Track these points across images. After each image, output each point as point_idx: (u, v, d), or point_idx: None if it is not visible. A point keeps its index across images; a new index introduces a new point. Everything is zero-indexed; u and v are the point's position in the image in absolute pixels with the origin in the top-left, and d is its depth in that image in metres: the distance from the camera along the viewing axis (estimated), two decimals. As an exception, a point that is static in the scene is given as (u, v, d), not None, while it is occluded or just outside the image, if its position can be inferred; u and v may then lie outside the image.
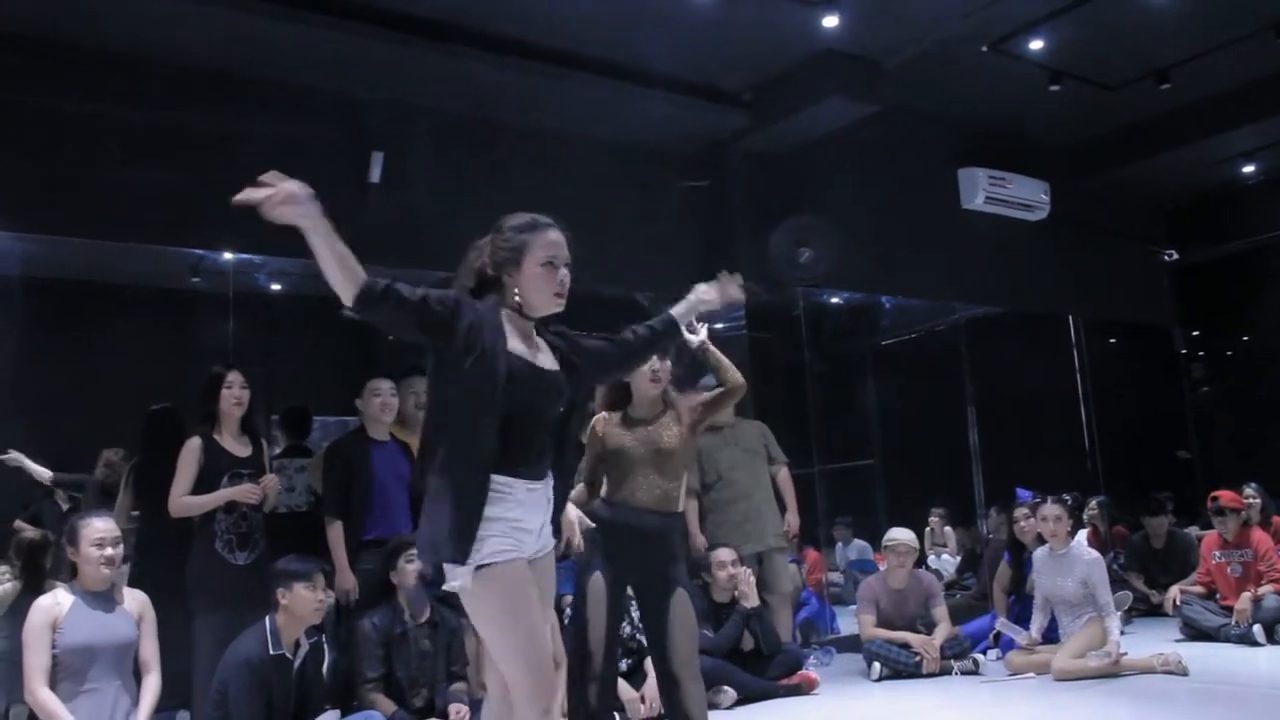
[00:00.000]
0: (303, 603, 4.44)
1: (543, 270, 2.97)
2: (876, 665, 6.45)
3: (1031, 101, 8.60)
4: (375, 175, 6.53)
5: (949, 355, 9.83)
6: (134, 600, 4.34)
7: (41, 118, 5.70)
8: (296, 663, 4.48)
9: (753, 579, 6.17)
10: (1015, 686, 6.04)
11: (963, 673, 6.43)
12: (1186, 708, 5.23)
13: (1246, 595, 6.87)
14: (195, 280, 7.10)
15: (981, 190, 8.85)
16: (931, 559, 10.12)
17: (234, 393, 5.15)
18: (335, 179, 6.56)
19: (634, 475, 4.00)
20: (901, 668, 6.41)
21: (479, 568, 2.74)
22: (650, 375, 4.03)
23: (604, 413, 4.19)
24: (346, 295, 2.69)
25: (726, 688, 5.84)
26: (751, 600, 6.07)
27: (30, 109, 5.67)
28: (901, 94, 7.91)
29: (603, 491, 4.14)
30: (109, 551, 4.21)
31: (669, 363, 4.05)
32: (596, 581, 4.01)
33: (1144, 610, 8.03)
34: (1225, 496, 7.33)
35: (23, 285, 6.66)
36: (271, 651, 4.37)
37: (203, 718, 4.48)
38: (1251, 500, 7.88)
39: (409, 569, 4.98)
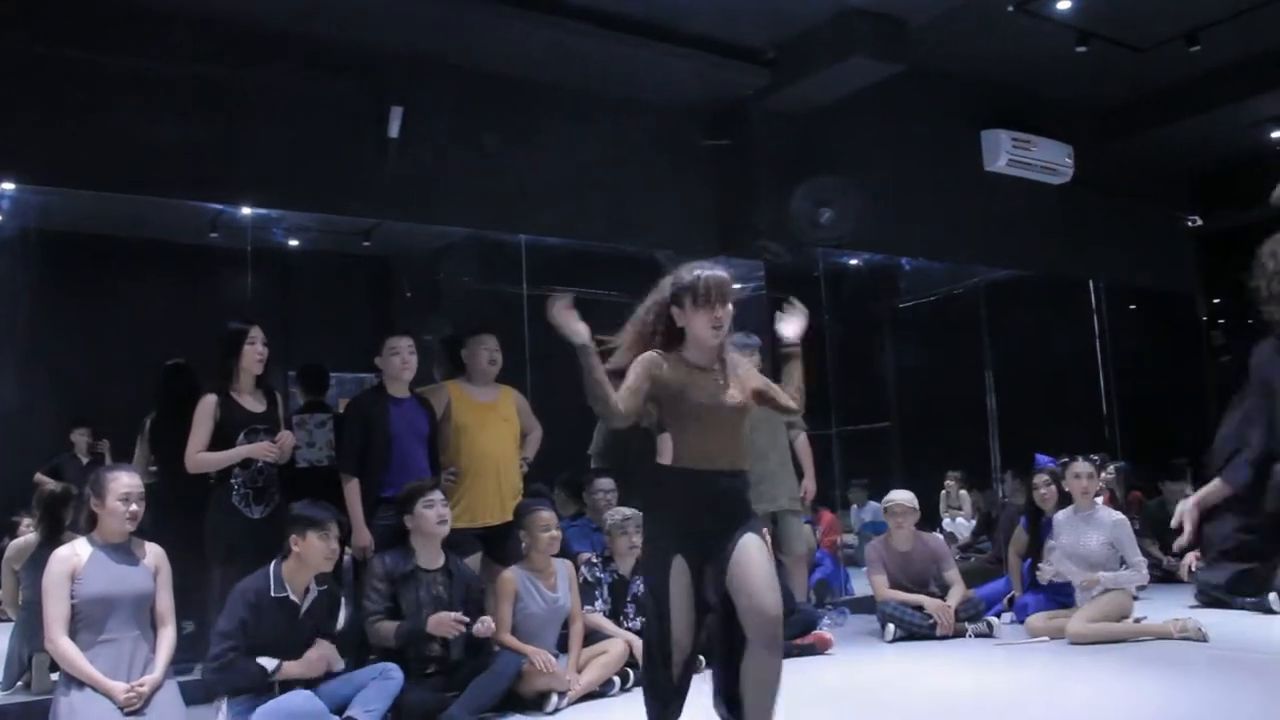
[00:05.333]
0: (314, 551, 4.50)
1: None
2: (890, 627, 6.46)
3: (1057, 63, 8.46)
4: (394, 130, 6.48)
5: (968, 318, 9.76)
6: (151, 553, 4.37)
7: (58, 70, 5.66)
8: (305, 606, 4.54)
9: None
10: (1029, 650, 6.04)
11: (977, 635, 6.44)
12: (1204, 674, 5.23)
13: (1264, 564, 6.86)
14: (213, 235, 7.09)
15: (1005, 152, 8.76)
16: (946, 522, 10.12)
17: (257, 349, 5.15)
18: (354, 133, 6.54)
19: (710, 433, 3.51)
20: (916, 629, 6.42)
21: None
22: (712, 321, 3.48)
23: (654, 352, 3.51)
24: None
25: (741, 647, 5.86)
26: (766, 561, 6.07)
27: (47, 61, 5.63)
28: (926, 54, 7.79)
29: (674, 452, 3.52)
30: (134, 507, 4.24)
31: (731, 309, 3.53)
32: (679, 566, 3.46)
33: (1159, 576, 8.01)
34: (1244, 464, 7.28)
35: (39, 239, 6.64)
36: (274, 594, 4.45)
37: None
38: (1270, 468, 7.81)
39: (428, 514, 4.99)
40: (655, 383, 3.45)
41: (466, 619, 4.84)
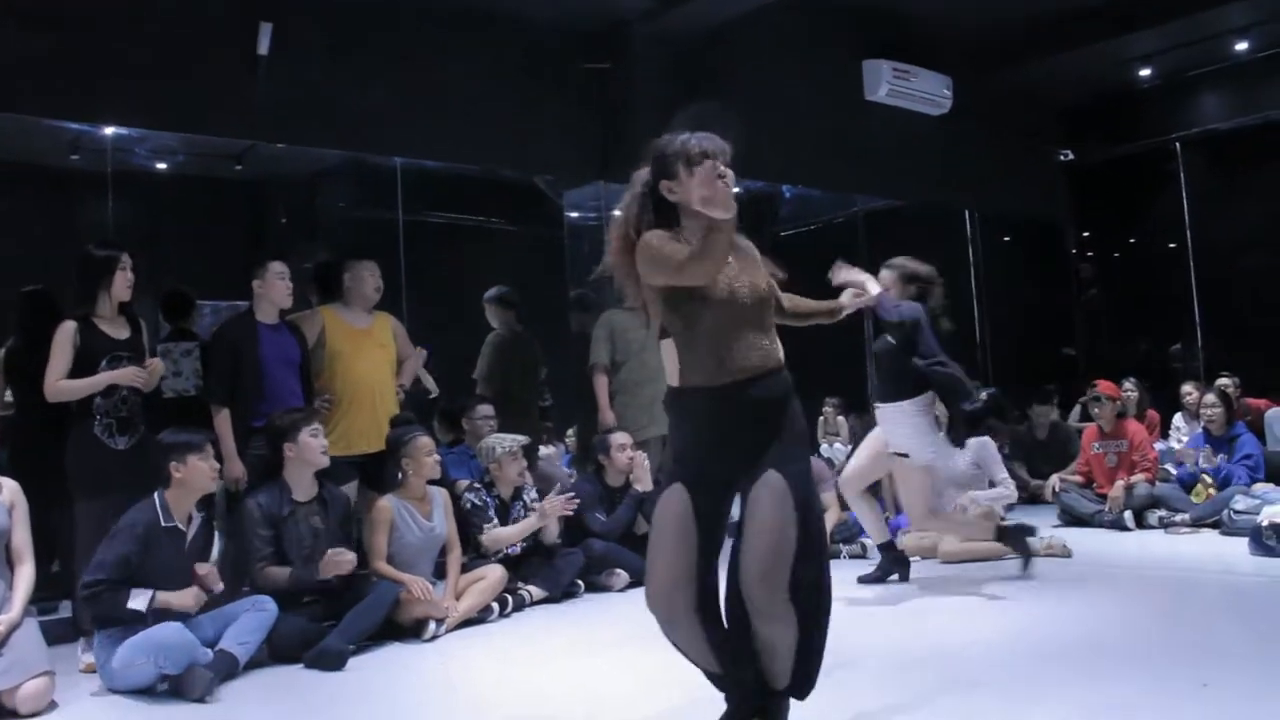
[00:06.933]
0: (198, 473, 4.42)
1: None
2: (768, 550, 6.58)
3: (938, -7, 8.54)
4: (264, 47, 6.23)
5: (847, 246, 9.87)
6: (6, 488, 4.20)
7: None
8: (190, 535, 4.45)
9: (647, 463, 6.22)
10: (900, 570, 6.22)
11: (851, 557, 6.61)
12: (1067, 587, 5.45)
13: (1120, 483, 7.19)
14: (74, 157, 6.79)
15: (885, 82, 8.83)
16: (824, 448, 10.32)
17: (127, 275, 4.93)
18: (222, 50, 6.26)
19: (723, 334, 2.91)
20: (792, 552, 6.55)
21: None
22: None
23: (657, 230, 2.93)
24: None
25: (619, 570, 5.94)
26: (645, 484, 6.13)
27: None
28: (810, -19, 7.80)
29: (679, 367, 2.96)
30: (-18, 441, 4.06)
31: (733, 175, 2.98)
32: (675, 494, 2.94)
33: (1025, 498, 8.33)
34: (1103, 385, 7.62)
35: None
36: (164, 524, 4.33)
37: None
38: (1129, 393, 8.19)
39: (313, 444, 4.91)
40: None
41: (354, 557, 4.81)
